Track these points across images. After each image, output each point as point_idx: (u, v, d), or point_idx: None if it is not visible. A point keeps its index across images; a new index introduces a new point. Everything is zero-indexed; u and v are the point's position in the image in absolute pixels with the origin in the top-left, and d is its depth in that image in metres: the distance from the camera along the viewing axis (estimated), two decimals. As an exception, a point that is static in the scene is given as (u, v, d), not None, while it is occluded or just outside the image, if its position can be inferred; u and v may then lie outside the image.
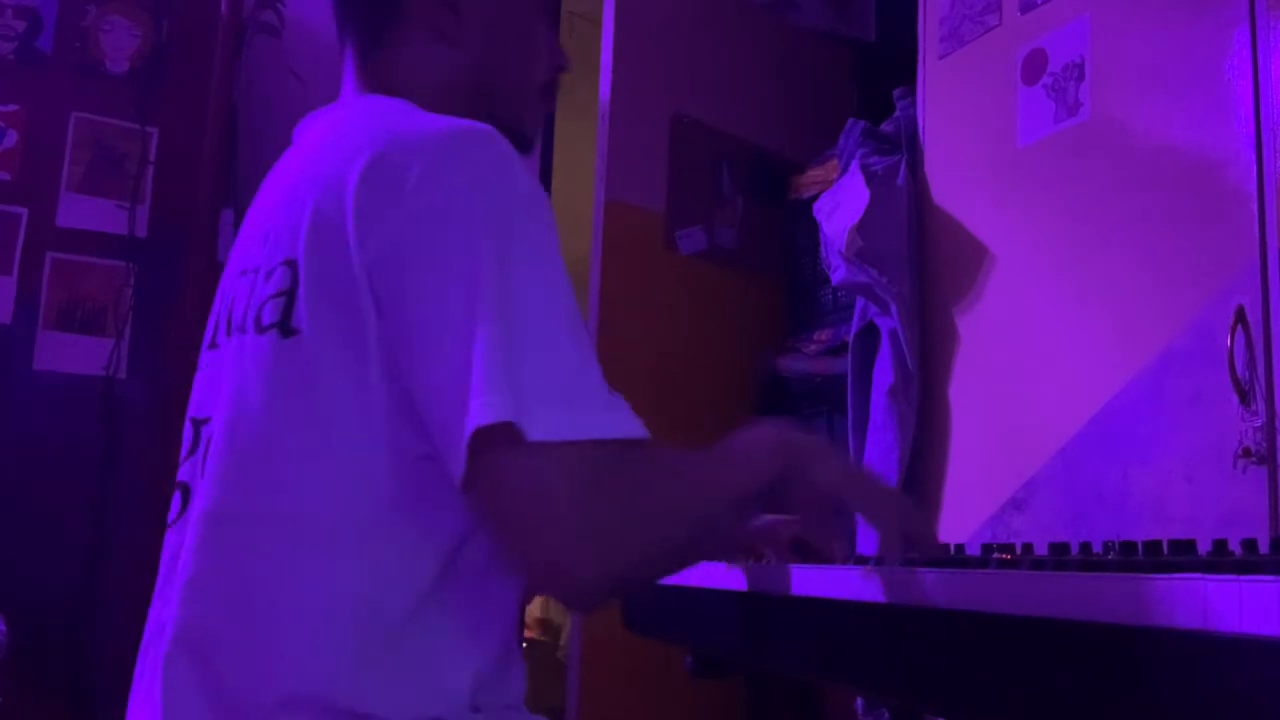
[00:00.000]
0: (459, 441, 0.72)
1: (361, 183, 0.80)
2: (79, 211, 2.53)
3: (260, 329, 0.84)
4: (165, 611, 0.86)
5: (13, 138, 2.50)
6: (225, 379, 0.88)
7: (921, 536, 0.90)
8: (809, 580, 0.92)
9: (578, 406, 0.74)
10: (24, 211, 2.49)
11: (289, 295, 0.82)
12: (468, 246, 0.76)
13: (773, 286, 2.60)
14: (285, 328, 0.82)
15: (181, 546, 0.87)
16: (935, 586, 0.74)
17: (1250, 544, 0.81)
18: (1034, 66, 1.82)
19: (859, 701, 1.90)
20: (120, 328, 2.50)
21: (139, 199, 2.56)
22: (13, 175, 2.49)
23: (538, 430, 0.72)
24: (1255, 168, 1.44)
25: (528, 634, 4.21)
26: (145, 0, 2.64)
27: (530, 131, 1.03)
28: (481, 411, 0.71)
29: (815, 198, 2.20)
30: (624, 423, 0.76)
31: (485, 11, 0.98)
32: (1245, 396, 1.40)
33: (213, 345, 0.93)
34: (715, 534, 0.88)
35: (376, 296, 0.78)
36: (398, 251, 0.77)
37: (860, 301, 2.10)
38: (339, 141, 0.88)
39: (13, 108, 2.51)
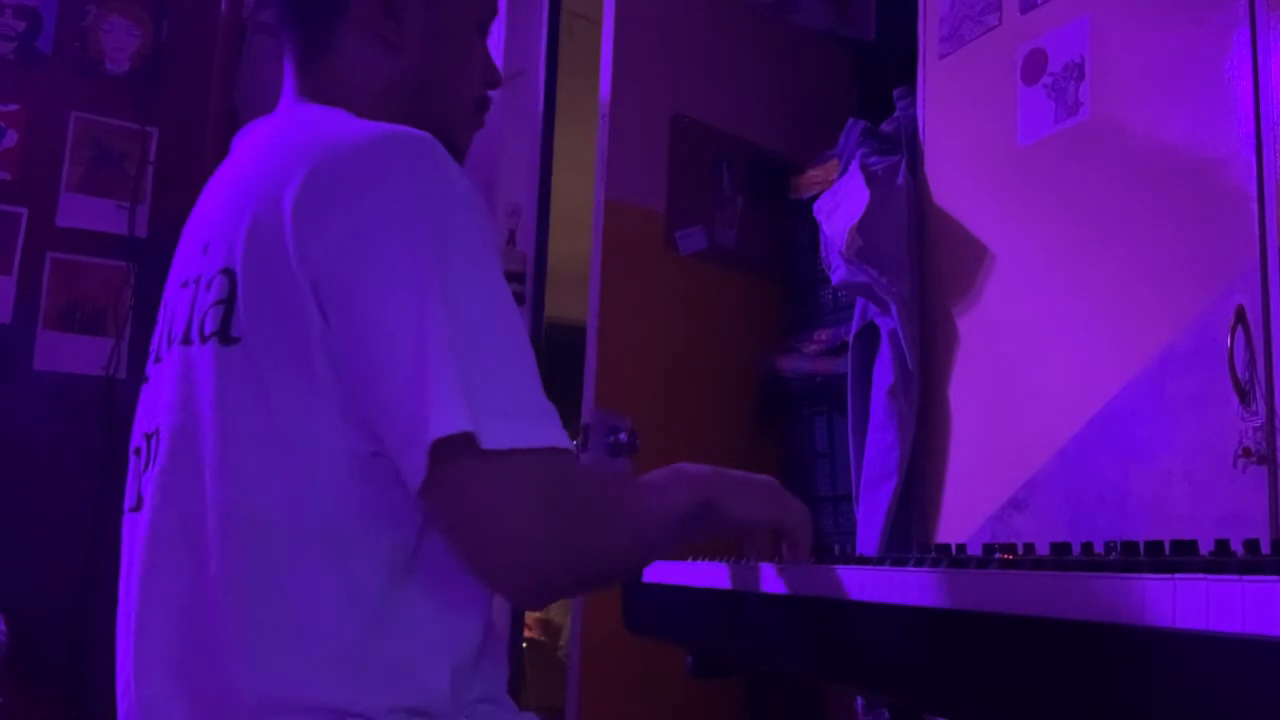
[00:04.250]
0: (419, 451, 0.74)
1: (300, 192, 0.81)
2: (79, 211, 2.53)
3: (203, 339, 0.84)
4: (129, 626, 0.87)
5: (13, 138, 2.50)
6: (168, 391, 0.88)
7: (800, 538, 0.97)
8: (809, 581, 0.92)
9: (526, 416, 0.78)
10: (24, 211, 2.49)
11: (228, 304, 0.83)
12: (410, 257, 0.78)
13: (773, 286, 2.60)
14: (225, 336, 0.82)
15: (133, 562, 0.88)
16: (936, 586, 0.74)
17: (1252, 544, 0.81)
18: (1034, 66, 1.82)
19: (859, 701, 1.90)
20: (120, 328, 2.50)
21: (139, 199, 2.56)
22: (13, 175, 2.49)
23: (492, 438, 0.75)
24: (1255, 168, 1.44)
25: (528, 634, 4.21)
26: (145, 0, 2.64)
27: (462, 142, 1.05)
28: (441, 422, 0.74)
29: (815, 198, 2.20)
30: (560, 433, 0.79)
31: (425, 21, 0.99)
32: (1245, 396, 1.40)
33: (157, 359, 0.93)
34: (650, 548, 0.90)
35: (321, 305, 0.79)
36: (341, 262, 0.78)
37: (860, 301, 2.10)
38: (275, 151, 0.88)
39: (13, 108, 2.51)
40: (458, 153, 1.02)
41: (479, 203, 0.84)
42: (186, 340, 0.87)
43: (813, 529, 0.98)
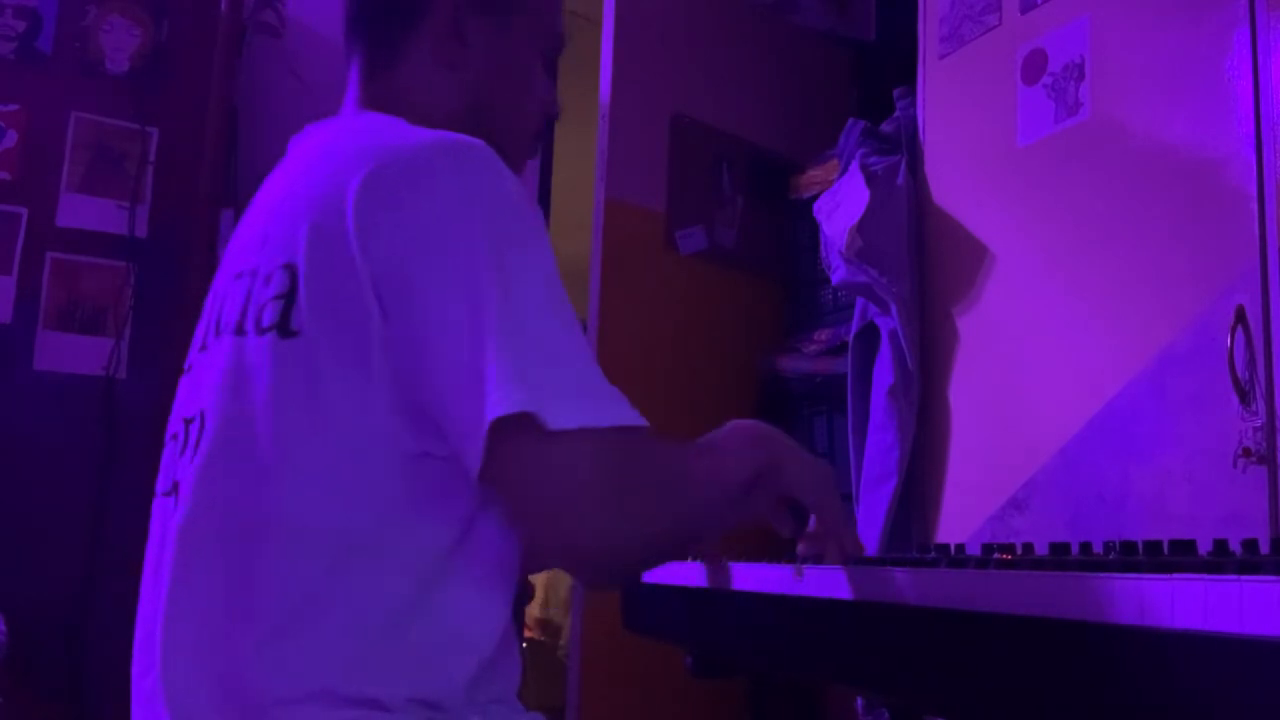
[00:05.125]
0: (478, 433, 0.75)
1: (361, 193, 0.82)
2: (79, 211, 2.53)
3: (260, 330, 0.86)
4: (156, 608, 0.87)
5: (13, 138, 2.50)
6: (215, 378, 0.89)
7: (853, 554, 0.97)
8: (810, 581, 0.92)
9: (590, 396, 0.78)
10: (24, 211, 2.48)
11: (288, 298, 0.84)
12: (469, 256, 0.79)
13: (773, 286, 2.60)
14: (284, 329, 0.84)
15: (165, 547, 0.88)
16: (935, 587, 0.74)
17: (1251, 544, 0.81)
18: (1034, 66, 1.82)
19: (859, 701, 1.90)
20: (120, 328, 2.50)
21: (139, 199, 2.56)
22: (13, 175, 2.49)
23: (558, 419, 0.75)
24: (1255, 168, 1.44)
25: (528, 634, 4.21)
26: (145, 0, 2.64)
27: (515, 170, 1.06)
28: (499, 403, 0.74)
29: (815, 198, 2.20)
30: (631, 412, 0.80)
31: (490, 47, 1.01)
32: (1245, 396, 1.40)
33: (203, 348, 0.94)
34: (720, 518, 0.91)
35: (382, 302, 0.80)
36: (401, 261, 0.80)
37: (860, 301, 2.10)
38: (337, 153, 0.91)
39: (13, 108, 2.50)
40: None
41: (530, 202, 0.86)
42: (240, 331, 0.88)
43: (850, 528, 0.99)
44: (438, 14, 0.99)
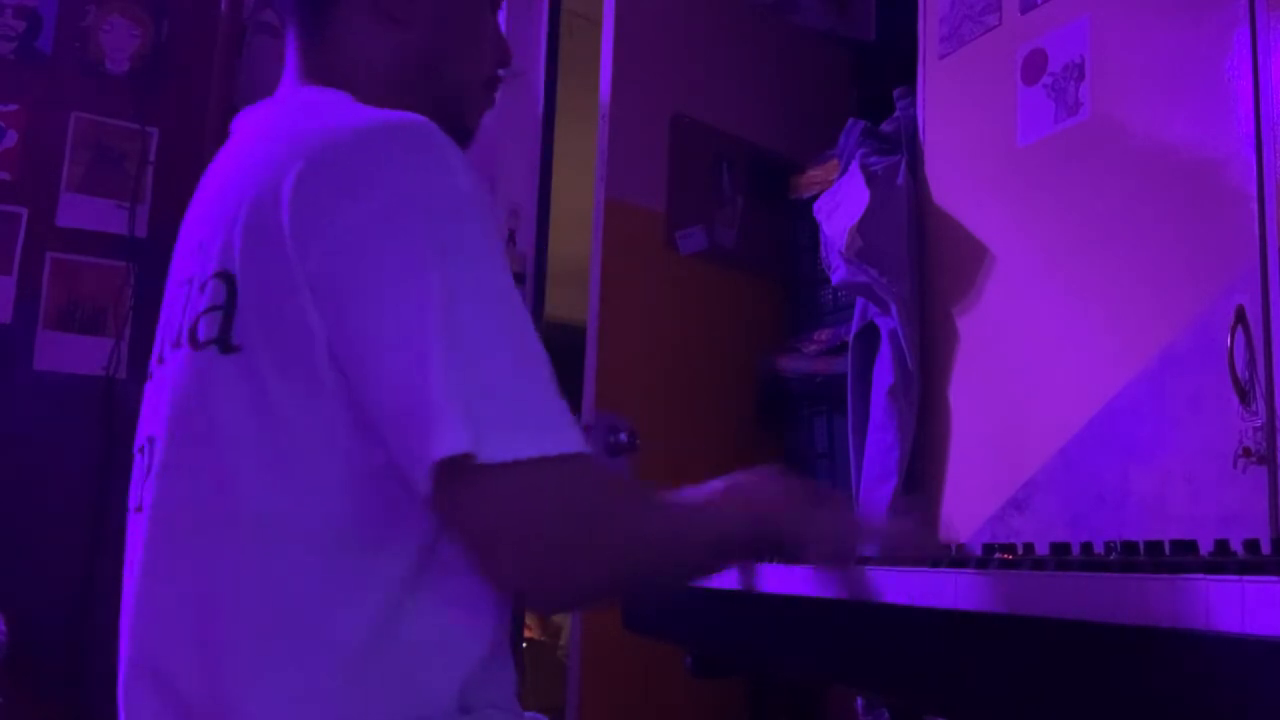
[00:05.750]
0: (422, 469, 0.73)
1: (296, 191, 0.78)
2: (79, 211, 2.53)
3: (196, 345, 0.82)
4: (125, 630, 0.86)
5: (13, 138, 2.49)
6: (164, 399, 0.86)
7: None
8: (810, 581, 0.92)
9: (530, 426, 0.75)
10: (24, 211, 2.48)
11: (225, 310, 0.80)
12: (407, 260, 0.75)
13: (773, 286, 2.60)
14: (224, 344, 0.80)
15: (135, 564, 0.86)
16: (936, 586, 0.74)
17: (1252, 544, 0.81)
18: (1034, 66, 1.82)
19: (859, 701, 1.90)
20: (120, 328, 2.49)
21: (139, 199, 2.56)
22: (13, 175, 2.48)
23: (493, 453, 0.72)
24: (1255, 168, 1.44)
25: (528, 634, 4.21)
26: (145, 0, 2.63)
27: (471, 124, 1.01)
28: (441, 442, 0.71)
29: (815, 198, 2.20)
30: (571, 438, 0.76)
31: None
32: (1245, 396, 1.40)
33: (160, 360, 0.90)
34: (685, 565, 0.88)
35: (322, 308, 0.76)
36: (338, 264, 0.76)
37: (860, 301, 2.10)
38: (272, 141, 0.86)
39: (13, 108, 2.50)
40: (465, 135, 0.99)
41: (481, 196, 0.80)
42: (178, 344, 0.84)
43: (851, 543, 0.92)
44: None
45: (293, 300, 0.77)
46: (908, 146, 2.09)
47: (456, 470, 0.72)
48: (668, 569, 0.88)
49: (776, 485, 0.90)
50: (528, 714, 0.89)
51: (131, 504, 0.91)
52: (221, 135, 1.01)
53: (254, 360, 0.78)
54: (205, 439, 0.81)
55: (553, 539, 0.75)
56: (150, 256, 2.51)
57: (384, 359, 0.74)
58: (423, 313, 0.73)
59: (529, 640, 4.20)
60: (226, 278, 0.81)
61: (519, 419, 0.74)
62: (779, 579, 0.97)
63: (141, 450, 0.91)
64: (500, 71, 1.04)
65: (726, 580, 1.08)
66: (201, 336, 0.81)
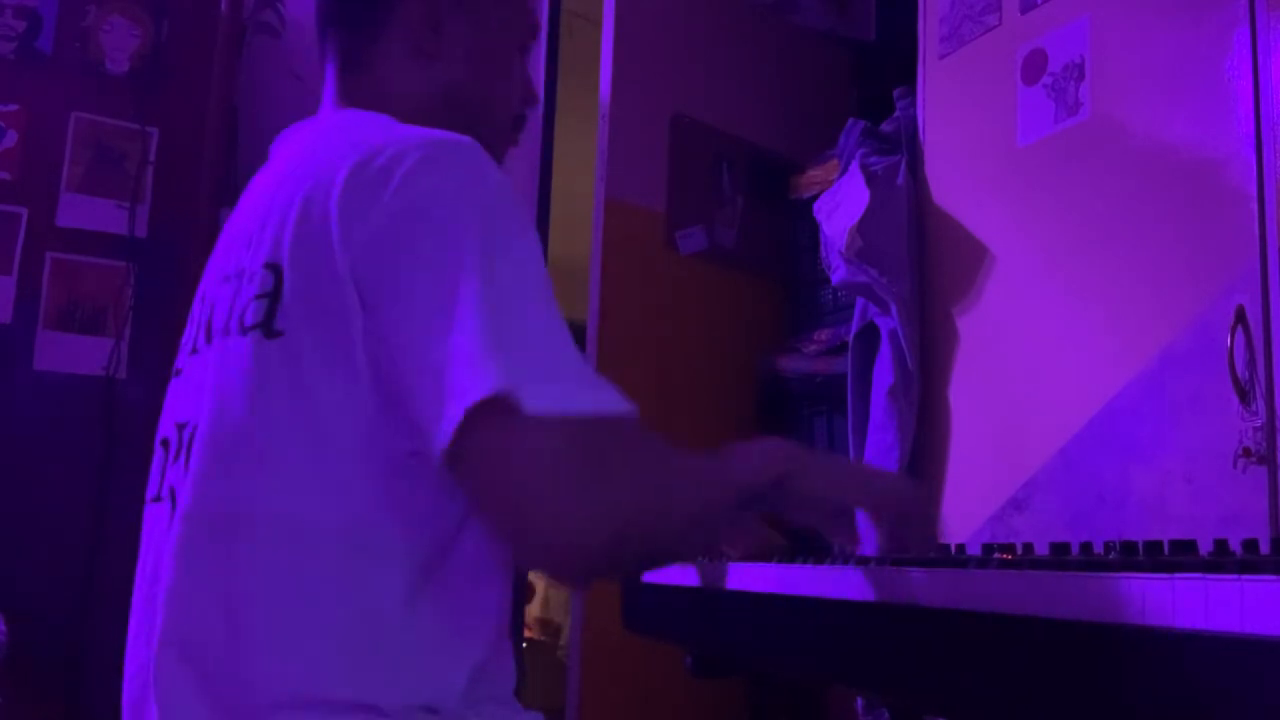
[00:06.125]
0: (453, 415, 0.71)
1: (345, 186, 0.81)
2: (79, 211, 2.53)
3: (243, 330, 0.84)
4: (152, 616, 0.87)
5: (13, 138, 2.50)
6: (208, 383, 0.88)
7: (920, 518, 0.91)
8: (810, 580, 0.92)
9: (571, 383, 0.75)
10: (24, 211, 2.49)
11: (272, 297, 0.83)
12: (450, 241, 0.77)
13: (773, 286, 2.60)
14: (269, 329, 0.82)
15: (163, 551, 0.87)
16: (936, 586, 0.74)
17: (1251, 544, 0.81)
18: (1034, 66, 1.82)
19: (859, 701, 1.90)
20: (120, 328, 2.50)
21: (139, 199, 2.56)
22: (13, 175, 2.49)
23: (536, 403, 0.71)
24: (1255, 168, 1.44)
25: (528, 634, 4.21)
26: (145, 0, 2.64)
27: (497, 158, 1.04)
28: (478, 385, 0.71)
29: (815, 198, 2.20)
30: (616, 401, 0.76)
31: (466, 34, 1.01)
32: (1245, 396, 1.40)
33: (194, 351, 0.93)
34: (709, 522, 0.87)
35: (361, 294, 0.78)
36: (380, 247, 0.79)
37: (860, 301, 2.10)
38: (320, 151, 0.89)
39: (13, 108, 2.51)
40: None
41: (518, 200, 0.84)
42: (227, 333, 0.87)
43: (927, 506, 0.92)
44: (412, 5, 0.99)
45: (335, 288, 0.79)
46: (908, 146, 2.09)
47: (493, 419, 0.71)
48: (694, 536, 0.87)
49: (781, 443, 0.89)
50: (527, 712, 0.89)
51: (149, 493, 0.93)
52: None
53: (296, 345, 0.81)
54: (246, 425, 0.83)
55: (587, 501, 0.72)
56: (150, 256, 2.51)
57: (421, 331, 0.75)
58: (460, 288, 0.74)
59: (529, 640, 4.20)
60: (274, 268, 0.84)
61: (564, 374, 0.75)
62: (780, 579, 0.97)
63: (165, 442, 0.93)
64: (526, 110, 1.09)
65: (727, 580, 1.08)
66: (248, 322, 0.84)
